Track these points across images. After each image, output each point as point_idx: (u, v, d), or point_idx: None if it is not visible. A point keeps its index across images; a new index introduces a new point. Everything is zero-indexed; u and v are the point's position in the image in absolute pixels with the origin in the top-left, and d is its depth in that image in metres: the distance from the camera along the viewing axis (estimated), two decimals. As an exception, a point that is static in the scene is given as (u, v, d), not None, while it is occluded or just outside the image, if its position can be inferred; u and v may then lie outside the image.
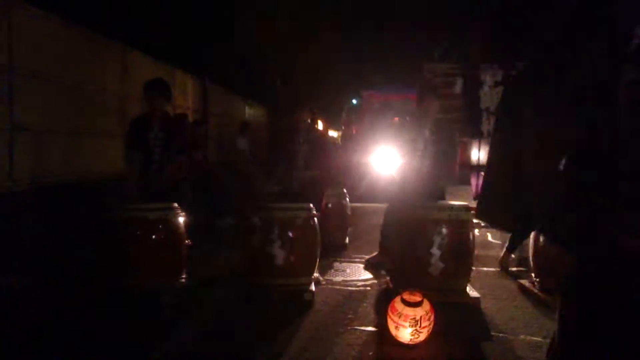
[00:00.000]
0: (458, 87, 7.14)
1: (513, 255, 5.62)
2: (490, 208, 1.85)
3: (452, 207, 4.24)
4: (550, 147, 4.00)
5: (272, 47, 14.63)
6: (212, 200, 7.21)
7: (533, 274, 4.53)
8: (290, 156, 5.50)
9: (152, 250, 4.12)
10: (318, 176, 5.40)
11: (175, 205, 4.35)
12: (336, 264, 5.51)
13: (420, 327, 3.17)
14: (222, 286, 4.64)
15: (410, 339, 3.20)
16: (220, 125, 13.14)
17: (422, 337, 3.21)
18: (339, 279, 4.97)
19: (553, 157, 2.79)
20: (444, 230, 4.11)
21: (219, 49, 11.95)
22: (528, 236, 6.05)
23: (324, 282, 4.75)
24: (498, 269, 5.33)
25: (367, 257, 5.66)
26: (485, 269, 5.34)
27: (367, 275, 5.13)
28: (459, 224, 4.18)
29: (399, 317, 3.19)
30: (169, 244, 4.20)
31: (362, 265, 5.49)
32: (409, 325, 3.17)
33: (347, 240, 6.56)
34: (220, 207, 7.48)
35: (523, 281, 4.74)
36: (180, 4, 10.52)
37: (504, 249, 5.46)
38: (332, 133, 24.88)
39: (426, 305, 3.24)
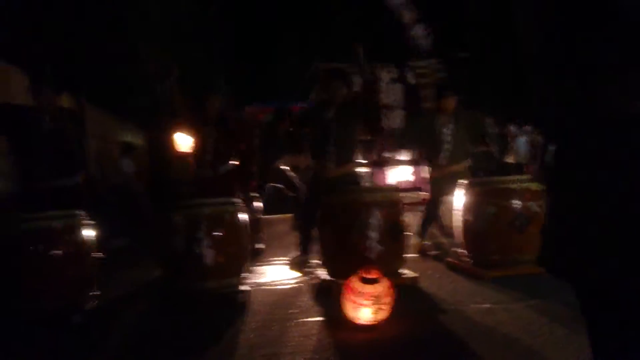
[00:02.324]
0: (356, 85, 7.16)
1: (428, 242, 5.69)
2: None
3: (383, 188, 4.15)
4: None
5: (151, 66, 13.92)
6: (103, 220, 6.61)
7: (464, 250, 4.56)
8: (197, 151, 5.14)
9: (58, 264, 3.56)
10: (234, 171, 5.09)
11: (81, 212, 3.83)
12: (257, 268, 5.20)
13: (382, 303, 2.99)
14: (143, 298, 4.16)
15: (373, 318, 3.01)
16: (99, 147, 12.18)
17: (384, 314, 3.03)
18: (265, 280, 4.68)
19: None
20: (378, 212, 4.00)
21: (97, 69, 11.08)
22: (434, 220, 6.21)
23: (251, 286, 4.43)
24: (417, 255, 5.34)
25: (287, 258, 5.42)
26: (405, 256, 5.32)
27: (295, 274, 4.88)
28: (392, 204, 4.11)
29: (359, 296, 2.99)
30: (77, 256, 3.67)
31: (285, 267, 5.23)
32: (371, 303, 2.98)
33: (261, 245, 6.26)
34: (111, 227, 6.86)
35: (450, 259, 4.78)
36: (57, 23, 9.63)
37: (417, 236, 5.50)
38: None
39: (385, 281, 3.07)
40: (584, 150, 1.15)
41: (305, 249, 5.20)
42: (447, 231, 6.75)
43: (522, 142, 10.33)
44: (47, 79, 4.49)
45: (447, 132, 5.31)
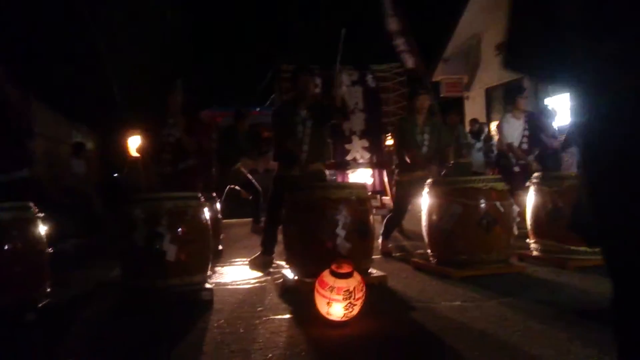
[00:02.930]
0: (318, 87, 7.10)
1: (390, 244, 5.66)
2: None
3: (351, 185, 4.08)
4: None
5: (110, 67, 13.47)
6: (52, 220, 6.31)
7: (429, 250, 4.53)
8: (154, 148, 4.95)
9: (6, 258, 3.31)
10: (194, 167, 4.91)
11: (32, 204, 3.58)
12: (218, 269, 5.02)
13: (354, 299, 2.89)
14: (100, 297, 3.93)
15: (344, 314, 2.91)
16: (49, 148, 11.67)
17: (356, 310, 2.94)
18: (227, 280, 4.51)
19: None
20: (346, 209, 3.91)
21: (47, 67, 10.60)
22: (399, 224, 6.21)
23: (213, 285, 4.26)
24: (380, 257, 5.28)
25: (247, 259, 5.26)
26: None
27: (257, 274, 4.73)
28: (360, 202, 4.03)
29: (331, 290, 2.89)
30: (29, 250, 3.42)
31: (245, 267, 5.07)
32: (342, 299, 2.87)
33: (220, 246, 6.07)
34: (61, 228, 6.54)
35: (416, 259, 4.74)
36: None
37: (380, 237, 5.45)
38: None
39: (357, 275, 2.98)
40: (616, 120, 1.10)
41: (268, 250, 5.06)
42: (407, 234, 6.77)
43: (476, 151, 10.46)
44: None
45: (422, 135, 5.30)
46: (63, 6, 11.54)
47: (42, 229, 3.60)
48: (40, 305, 3.42)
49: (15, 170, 4.22)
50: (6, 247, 3.32)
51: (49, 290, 3.63)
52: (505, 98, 6.51)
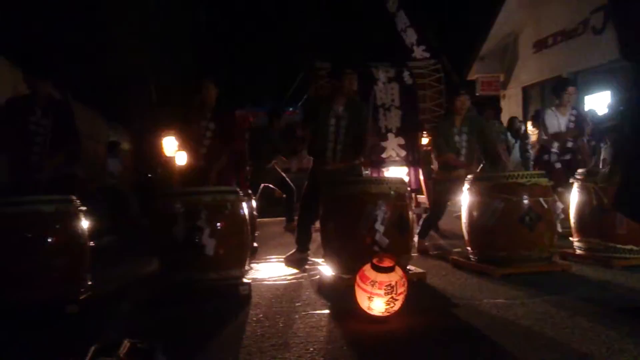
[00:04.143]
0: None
1: (427, 243, 5.58)
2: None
3: (390, 179, 4.02)
4: None
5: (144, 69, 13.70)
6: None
7: (468, 247, 4.43)
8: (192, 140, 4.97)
9: (49, 250, 3.36)
10: (230, 162, 4.93)
11: (74, 197, 3.63)
12: (253, 265, 5.01)
13: (396, 293, 2.84)
14: (139, 290, 3.96)
15: (386, 309, 2.85)
16: (85, 146, 11.89)
17: (398, 305, 2.88)
18: (263, 276, 4.50)
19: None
20: (385, 204, 3.85)
21: (87, 67, 10.81)
22: (436, 223, 6.12)
23: (250, 280, 4.25)
24: (418, 255, 5.20)
25: (282, 256, 5.25)
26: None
27: (293, 270, 4.71)
28: (399, 197, 3.96)
29: (372, 285, 2.84)
30: (71, 243, 3.46)
31: (281, 264, 5.05)
32: (384, 293, 2.82)
33: (255, 244, 6.07)
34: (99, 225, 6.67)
35: (455, 257, 4.65)
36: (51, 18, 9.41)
37: (417, 236, 5.36)
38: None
39: (399, 270, 2.93)
40: None
41: (302, 247, 5.04)
42: (443, 232, 6.68)
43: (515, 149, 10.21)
44: (39, 69, 4.35)
45: (460, 136, 5.22)
46: (99, 7, 11.79)
47: (84, 223, 3.65)
48: (81, 297, 3.46)
49: (64, 166, 4.34)
50: (49, 240, 3.37)
51: (90, 283, 3.67)
52: (552, 92, 6.27)
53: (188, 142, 5.07)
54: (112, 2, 12.58)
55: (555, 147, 5.93)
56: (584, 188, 4.43)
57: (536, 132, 8.15)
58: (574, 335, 2.56)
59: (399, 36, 8.48)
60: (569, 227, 4.64)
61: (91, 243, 3.75)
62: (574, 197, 4.55)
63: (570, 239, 4.62)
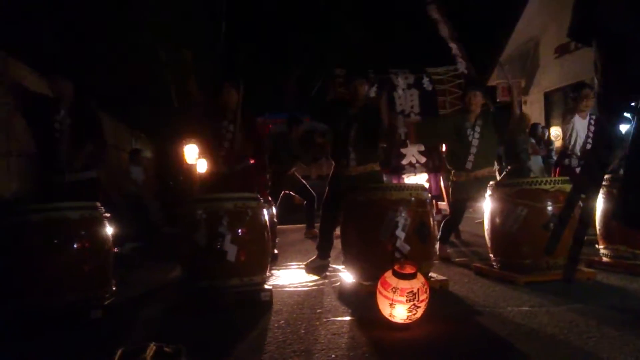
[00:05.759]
0: (372, 92, 7.03)
1: (449, 249, 5.55)
2: None
3: (410, 186, 4.00)
4: None
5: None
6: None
7: (491, 254, 4.38)
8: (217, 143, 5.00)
9: (75, 256, 3.40)
10: (251, 167, 4.95)
11: (98, 204, 3.68)
12: (274, 272, 5.02)
13: (418, 300, 2.82)
14: (162, 296, 3.99)
15: (408, 316, 2.83)
16: (109, 154, 12.06)
17: (420, 313, 2.86)
18: (284, 283, 4.50)
19: None
20: (406, 211, 3.83)
21: (113, 78, 10.94)
22: (456, 227, 6.07)
23: (271, 287, 4.26)
24: (439, 261, 5.15)
25: (303, 263, 5.24)
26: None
27: (313, 277, 4.70)
28: (420, 203, 3.94)
29: (394, 292, 2.82)
30: (96, 249, 3.51)
31: (301, 271, 5.05)
32: (406, 300, 2.80)
33: (275, 250, 6.08)
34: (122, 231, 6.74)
35: (477, 264, 4.60)
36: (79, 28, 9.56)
37: (438, 242, 5.31)
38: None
39: (421, 276, 2.90)
40: None
41: (323, 253, 5.04)
42: (464, 239, 6.62)
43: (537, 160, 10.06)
44: (62, 72, 4.44)
45: (473, 130, 5.16)
46: (122, 14, 11.92)
47: (109, 229, 3.69)
48: (106, 303, 3.50)
49: (86, 169, 4.41)
50: (75, 246, 3.42)
51: (114, 288, 3.71)
52: (571, 98, 6.18)
53: (208, 143, 5.11)
54: (134, 12, 12.73)
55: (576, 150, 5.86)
56: (609, 194, 4.36)
57: (559, 137, 8.04)
58: (601, 345, 2.52)
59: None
60: (595, 233, 4.56)
61: (115, 249, 3.78)
62: (600, 203, 4.47)
63: (596, 246, 4.55)
